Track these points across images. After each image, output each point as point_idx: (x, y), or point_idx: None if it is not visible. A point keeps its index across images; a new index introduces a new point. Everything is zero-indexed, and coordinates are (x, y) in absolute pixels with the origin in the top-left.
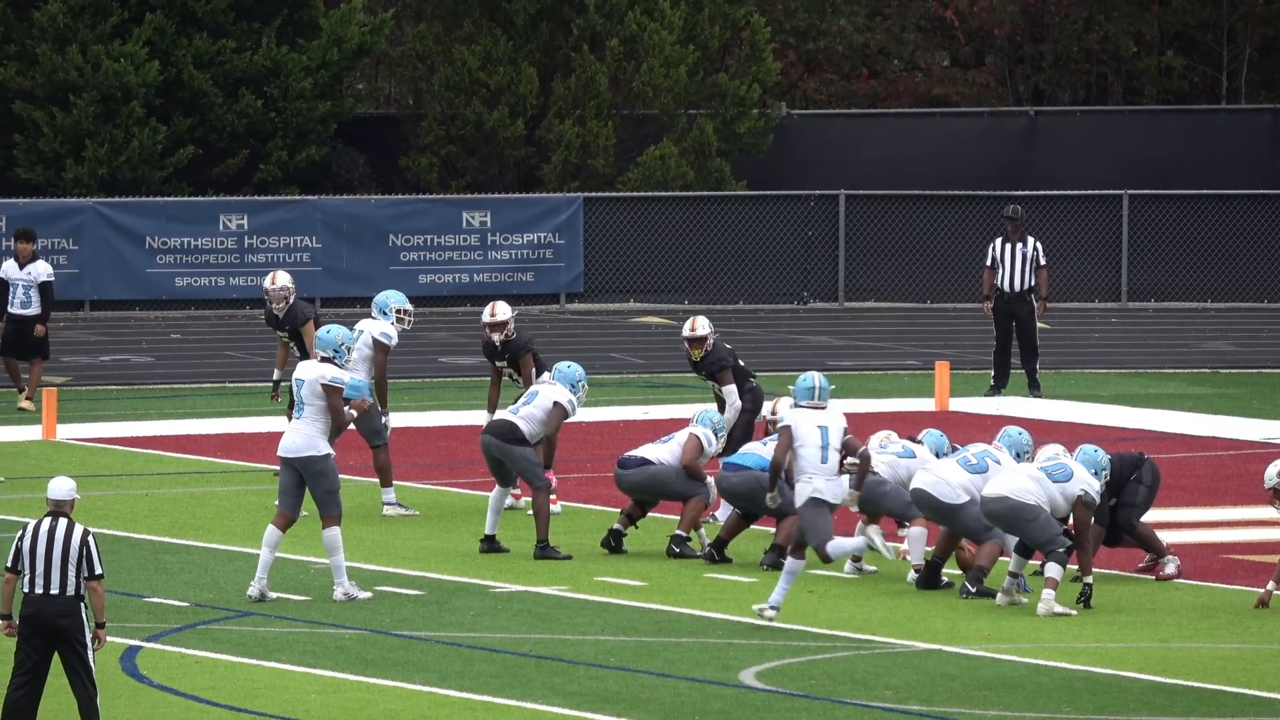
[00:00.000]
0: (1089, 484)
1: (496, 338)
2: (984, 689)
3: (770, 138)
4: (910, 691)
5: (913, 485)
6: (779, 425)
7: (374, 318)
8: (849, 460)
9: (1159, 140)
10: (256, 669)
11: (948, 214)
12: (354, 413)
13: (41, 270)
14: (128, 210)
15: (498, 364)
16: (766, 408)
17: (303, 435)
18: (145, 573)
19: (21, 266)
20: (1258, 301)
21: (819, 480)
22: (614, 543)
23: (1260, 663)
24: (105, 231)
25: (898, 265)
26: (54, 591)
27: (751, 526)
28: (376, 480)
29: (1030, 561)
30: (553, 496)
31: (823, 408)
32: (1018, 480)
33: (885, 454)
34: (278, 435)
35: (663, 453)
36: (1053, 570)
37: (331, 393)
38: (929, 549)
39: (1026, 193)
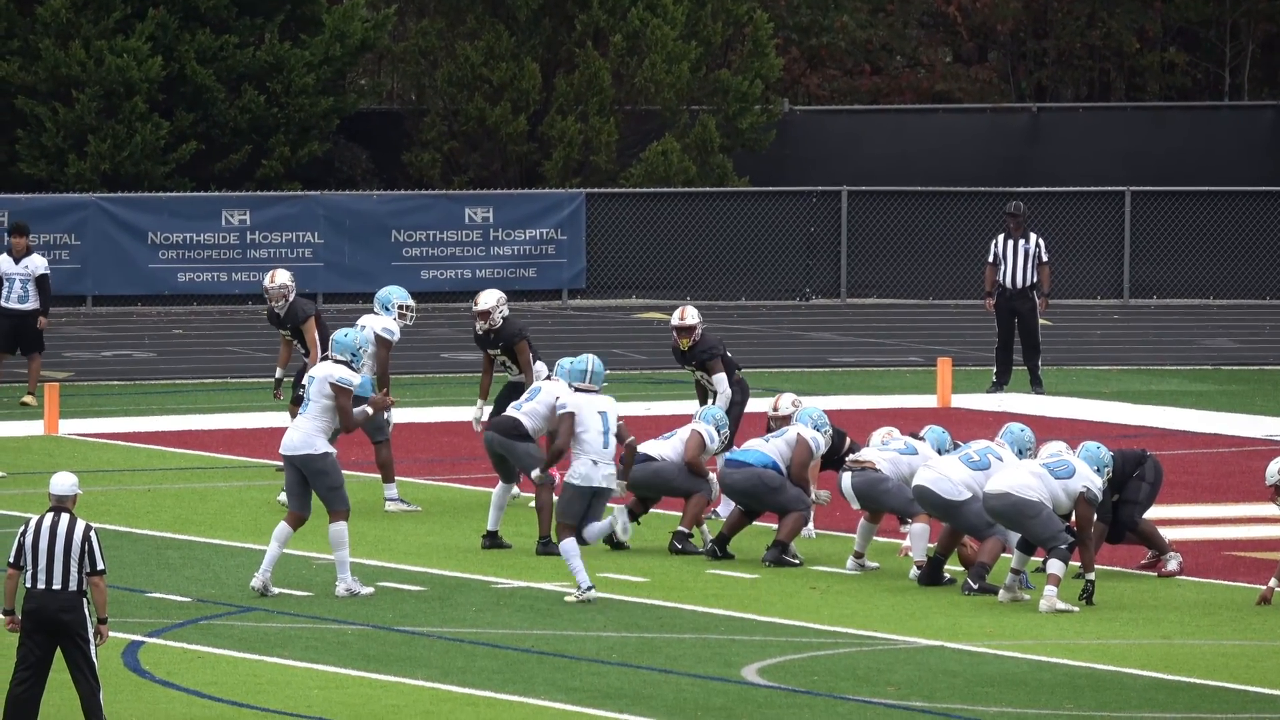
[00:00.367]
0: (1091, 481)
1: (480, 326)
2: (986, 685)
3: (773, 134)
4: (912, 688)
5: (915, 482)
6: (560, 411)
7: (376, 313)
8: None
9: (1161, 137)
10: (259, 664)
11: (950, 210)
12: (369, 410)
13: (38, 264)
14: (130, 205)
15: (490, 352)
16: (768, 403)
17: (301, 433)
18: (147, 568)
19: (17, 261)
20: (1260, 298)
21: (602, 466)
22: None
23: (1262, 659)
24: (107, 227)
25: (900, 261)
26: (56, 587)
27: (754, 523)
28: (379, 476)
29: (1032, 558)
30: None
31: (595, 391)
32: (1020, 476)
33: (887, 450)
34: (280, 431)
35: (665, 449)
36: (1055, 567)
37: (340, 393)
38: (931, 545)
39: (1029, 189)
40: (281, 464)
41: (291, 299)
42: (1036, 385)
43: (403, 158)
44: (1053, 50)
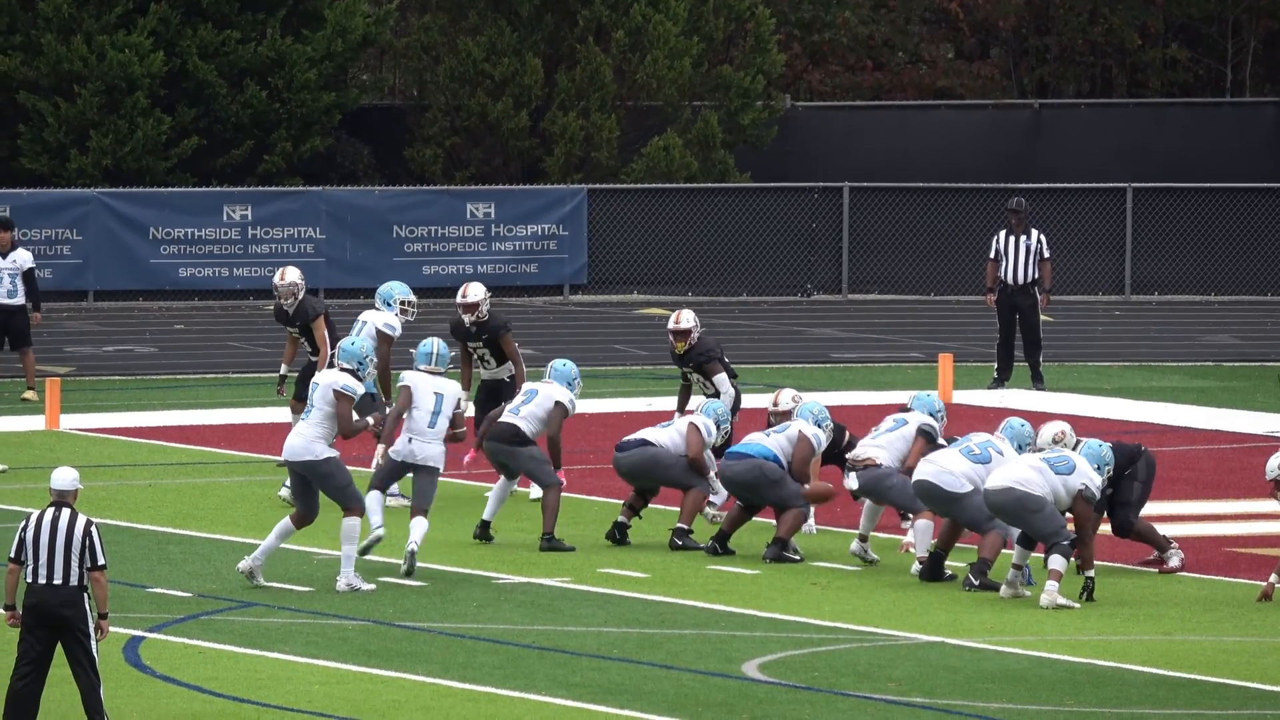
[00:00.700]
0: (1090, 478)
1: (469, 319)
2: (987, 681)
3: (774, 130)
4: (913, 684)
5: (915, 476)
6: (399, 384)
7: (378, 309)
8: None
9: (1163, 133)
10: (260, 660)
11: (952, 206)
12: (369, 421)
13: (24, 258)
14: (132, 201)
15: (470, 345)
16: (768, 398)
17: (302, 439)
18: (148, 563)
19: (4, 256)
20: (1261, 294)
21: (422, 445)
22: (619, 534)
23: (1263, 656)
24: (109, 222)
25: (901, 258)
26: (57, 582)
27: (754, 519)
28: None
29: (1033, 554)
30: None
31: (441, 373)
32: (1022, 471)
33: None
34: (281, 426)
35: (662, 436)
36: (1056, 562)
37: (342, 400)
38: (932, 541)
39: (1030, 185)
40: (283, 460)
41: (301, 297)
42: (1038, 381)
43: (404, 153)
44: (1054, 46)
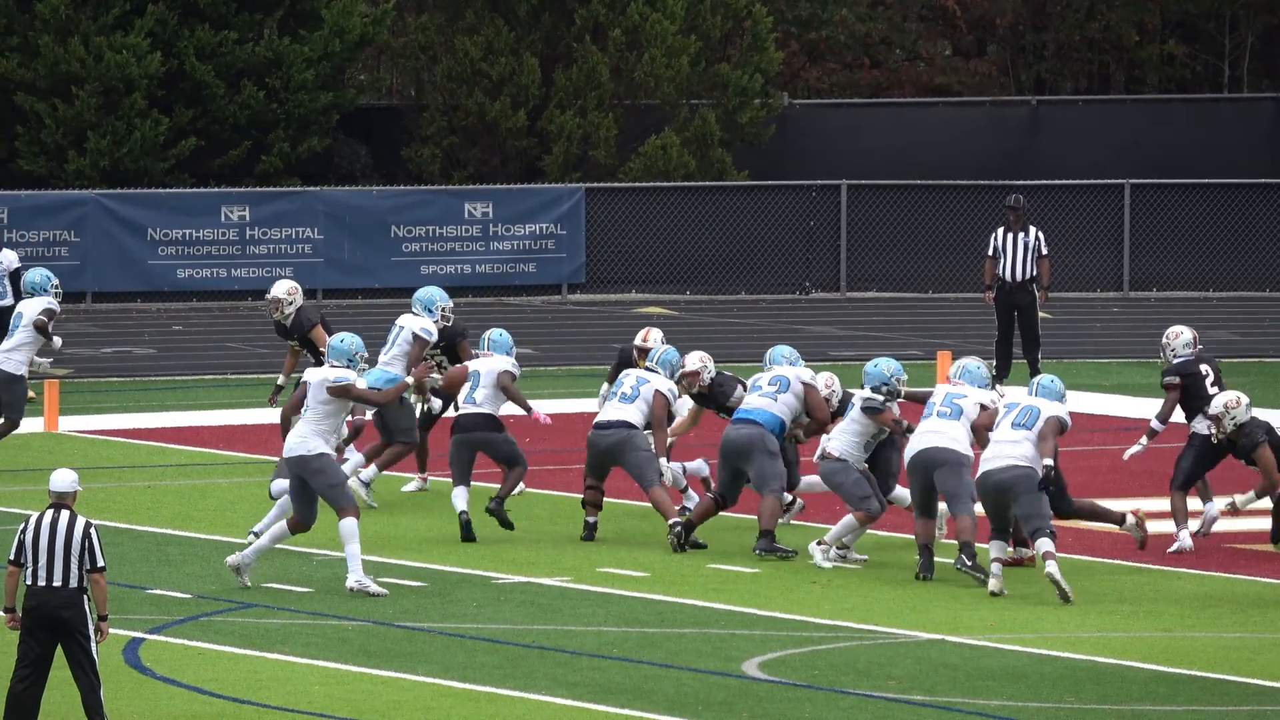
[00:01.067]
0: (1060, 413)
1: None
2: (987, 679)
3: (772, 128)
4: (913, 681)
5: (918, 448)
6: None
7: (415, 313)
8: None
9: (1161, 129)
10: (259, 660)
11: (950, 204)
12: (408, 381)
13: (10, 259)
14: (129, 202)
15: (428, 350)
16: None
17: (298, 436)
18: (148, 565)
19: None
20: (1260, 290)
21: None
22: (590, 534)
23: (1263, 652)
24: (107, 223)
25: (899, 255)
26: (56, 584)
27: (732, 514)
28: (394, 472)
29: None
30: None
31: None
32: (1021, 449)
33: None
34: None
35: (633, 414)
36: (1047, 545)
37: (340, 392)
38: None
39: (1028, 182)
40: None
41: (298, 305)
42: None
43: (402, 153)
44: (1052, 43)
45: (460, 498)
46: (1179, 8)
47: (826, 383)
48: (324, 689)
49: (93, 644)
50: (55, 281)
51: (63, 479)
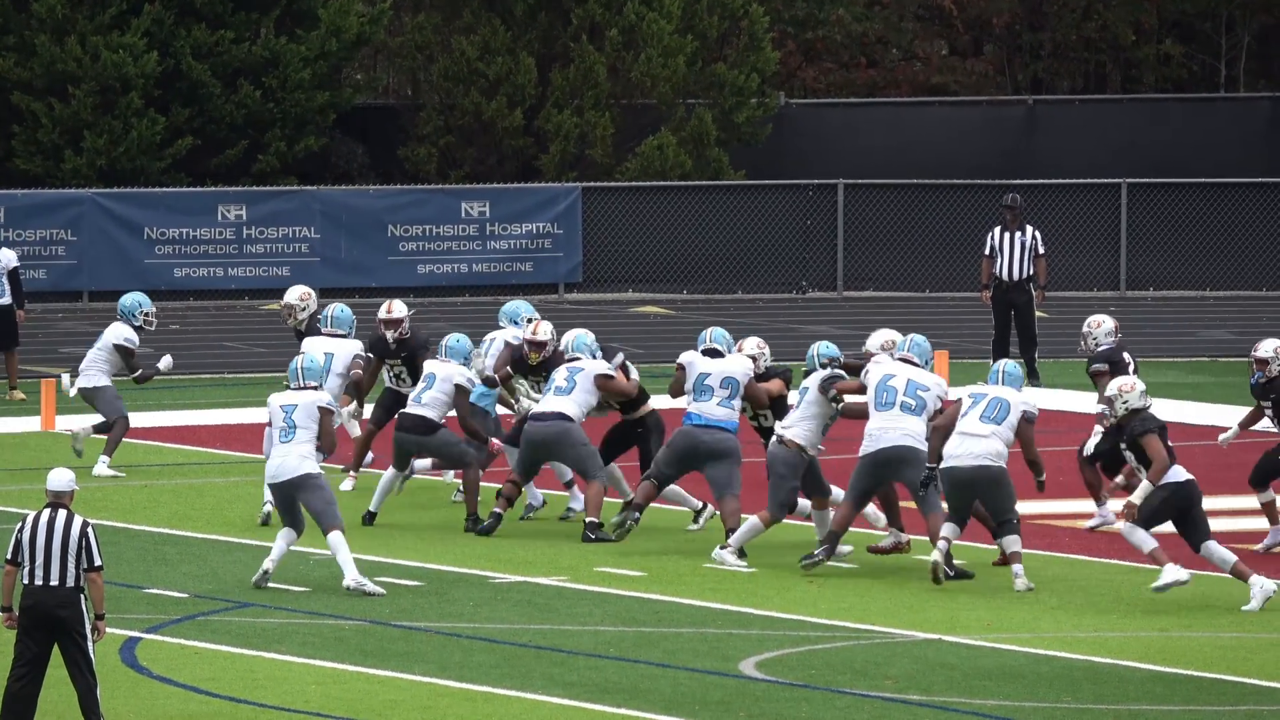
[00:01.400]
0: (1027, 404)
1: (390, 335)
2: (984, 679)
3: (769, 127)
4: (910, 681)
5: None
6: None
7: (503, 326)
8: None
9: (1158, 129)
10: (256, 660)
11: (946, 203)
12: (349, 415)
13: (9, 257)
14: (126, 201)
15: (388, 360)
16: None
17: (293, 457)
18: (144, 564)
19: None
20: (1257, 290)
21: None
22: (494, 525)
23: (1260, 651)
24: (104, 222)
25: (896, 254)
26: (54, 583)
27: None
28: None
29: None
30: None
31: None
32: (992, 444)
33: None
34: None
35: (570, 406)
36: (1014, 544)
37: (326, 414)
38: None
39: (1025, 181)
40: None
41: (310, 313)
42: (1033, 378)
43: (399, 152)
44: (1048, 43)
45: (392, 478)
46: (1175, 7)
47: (758, 344)
48: (321, 688)
49: (89, 643)
50: (146, 310)
51: (60, 478)
